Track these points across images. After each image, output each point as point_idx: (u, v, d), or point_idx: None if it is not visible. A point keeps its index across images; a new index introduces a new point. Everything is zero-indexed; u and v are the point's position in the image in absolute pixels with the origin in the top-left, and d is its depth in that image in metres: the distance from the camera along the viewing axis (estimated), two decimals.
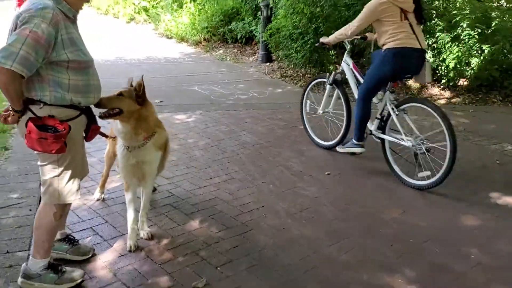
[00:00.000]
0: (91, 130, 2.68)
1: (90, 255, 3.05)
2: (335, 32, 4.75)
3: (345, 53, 4.98)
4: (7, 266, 2.92)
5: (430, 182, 4.10)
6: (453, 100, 7.35)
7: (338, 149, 4.93)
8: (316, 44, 5.17)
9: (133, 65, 9.69)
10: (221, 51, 11.38)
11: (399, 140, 4.36)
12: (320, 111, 5.23)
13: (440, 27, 7.41)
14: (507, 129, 5.97)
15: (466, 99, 7.31)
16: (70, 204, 2.91)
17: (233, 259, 3.11)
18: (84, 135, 2.70)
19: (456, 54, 7.05)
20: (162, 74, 8.84)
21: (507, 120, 6.40)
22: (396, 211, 3.81)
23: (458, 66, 7.15)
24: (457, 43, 7.10)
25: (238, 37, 11.56)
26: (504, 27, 6.89)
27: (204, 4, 12.44)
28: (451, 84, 7.49)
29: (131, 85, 3.09)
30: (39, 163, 2.56)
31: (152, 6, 15.04)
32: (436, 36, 7.41)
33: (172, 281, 2.87)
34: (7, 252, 3.07)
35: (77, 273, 2.79)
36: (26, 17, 2.32)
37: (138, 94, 2.97)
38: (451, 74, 7.25)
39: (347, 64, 4.93)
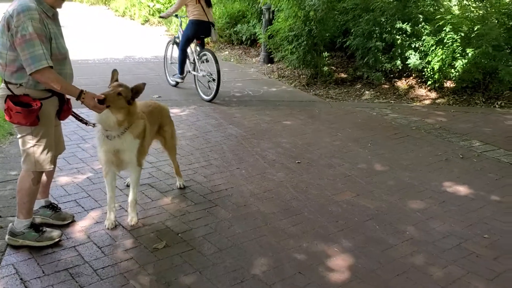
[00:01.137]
0: (64, 111, 3.15)
1: (70, 221, 3.54)
2: (167, 10, 8.49)
3: (179, 25, 8.16)
4: None
5: (209, 97, 7.28)
6: (438, 100, 7.67)
7: (170, 80, 8.25)
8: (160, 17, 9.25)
9: (140, 63, 10.23)
10: (226, 52, 11.86)
11: (199, 73, 7.46)
12: (170, 61, 8.41)
13: (427, 31, 7.74)
14: (481, 128, 6.27)
15: (450, 100, 7.62)
16: (51, 174, 3.41)
17: (193, 228, 3.56)
18: (57, 114, 3.17)
19: (441, 56, 7.36)
20: None
21: (484, 120, 6.68)
22: (350, 194, 4.21)
23: (444, 68, 7.47)
24: (441, 46, 7.42)
25: (244, 39, 12.04)
26: (487, 32, 7.15)
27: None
28: (437, 85, 7.80)
29: (117, 80, 3.37)
30: (18, 136, 3.04)
31: (166, 9, 15.62)
32: (422, 39, 7.74)
33: (136, 243, 3.34)
34: (0, 216, 3.58)
35: (55, 233, 3.27)
36: (21, 25, 2.75)
37: (132, 96, 3.28)
38: (436, 76, 7.56)
39: (179, 31, 7.92)
